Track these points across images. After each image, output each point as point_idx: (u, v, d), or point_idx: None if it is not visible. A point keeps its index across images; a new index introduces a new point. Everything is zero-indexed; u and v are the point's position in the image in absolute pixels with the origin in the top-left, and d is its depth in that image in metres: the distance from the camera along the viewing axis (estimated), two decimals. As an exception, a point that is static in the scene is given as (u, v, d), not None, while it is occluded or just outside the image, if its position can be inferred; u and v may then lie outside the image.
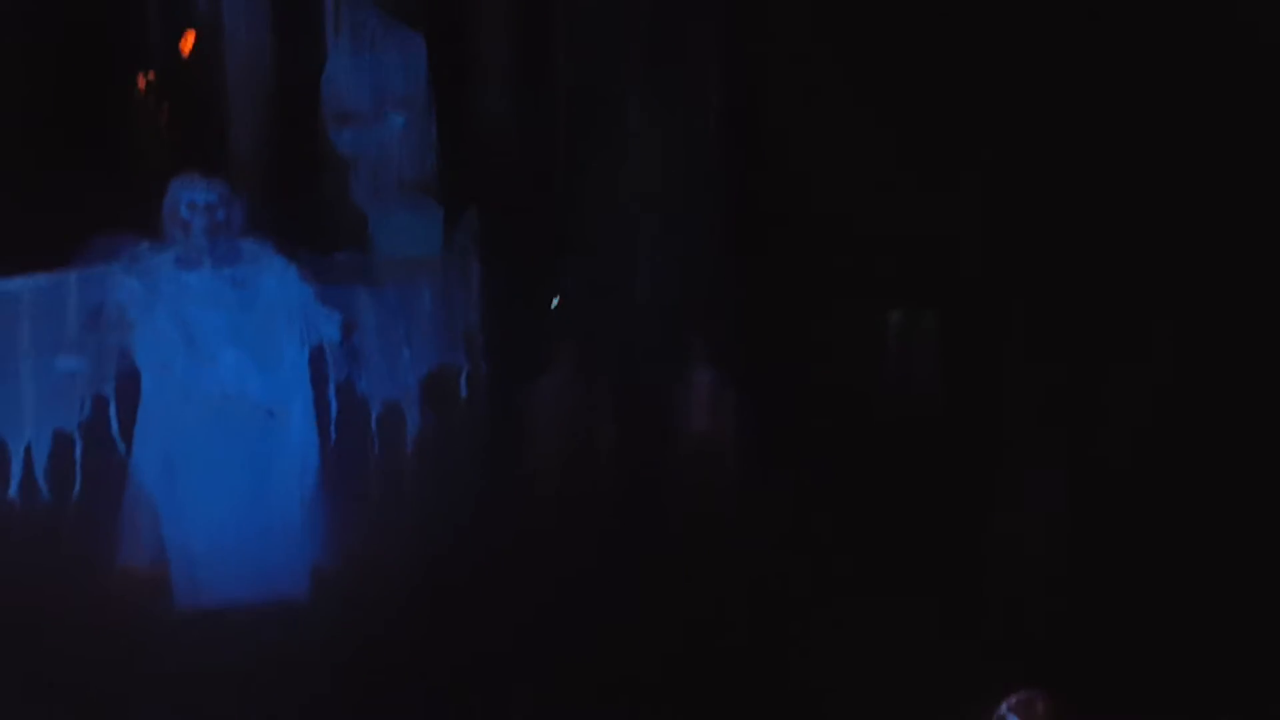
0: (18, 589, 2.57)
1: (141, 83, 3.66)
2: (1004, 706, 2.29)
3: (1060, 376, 3.02)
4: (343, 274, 2.82)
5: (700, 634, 2.55)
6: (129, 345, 2.67)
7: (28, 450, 2.65)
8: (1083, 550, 2.63)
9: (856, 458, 2.92)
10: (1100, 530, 2.66)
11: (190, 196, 2.68)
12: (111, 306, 2.64)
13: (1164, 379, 2.90)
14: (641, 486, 2.95)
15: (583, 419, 3.11)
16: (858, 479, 2.87)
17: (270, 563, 2.75)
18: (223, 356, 2.69)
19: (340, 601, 2.73)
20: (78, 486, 2.67)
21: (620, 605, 2.61)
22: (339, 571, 2.80)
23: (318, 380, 2.78)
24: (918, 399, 3.19)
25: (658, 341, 3.20)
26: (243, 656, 2.57)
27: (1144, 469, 2.79)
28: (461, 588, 2.71)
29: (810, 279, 3.31)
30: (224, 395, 2.71)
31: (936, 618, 2.48)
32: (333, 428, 2.83)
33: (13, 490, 2.63)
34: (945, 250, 3.22)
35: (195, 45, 3.55)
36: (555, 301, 3.31)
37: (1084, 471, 2.83)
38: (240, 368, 2.70)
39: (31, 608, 2.56)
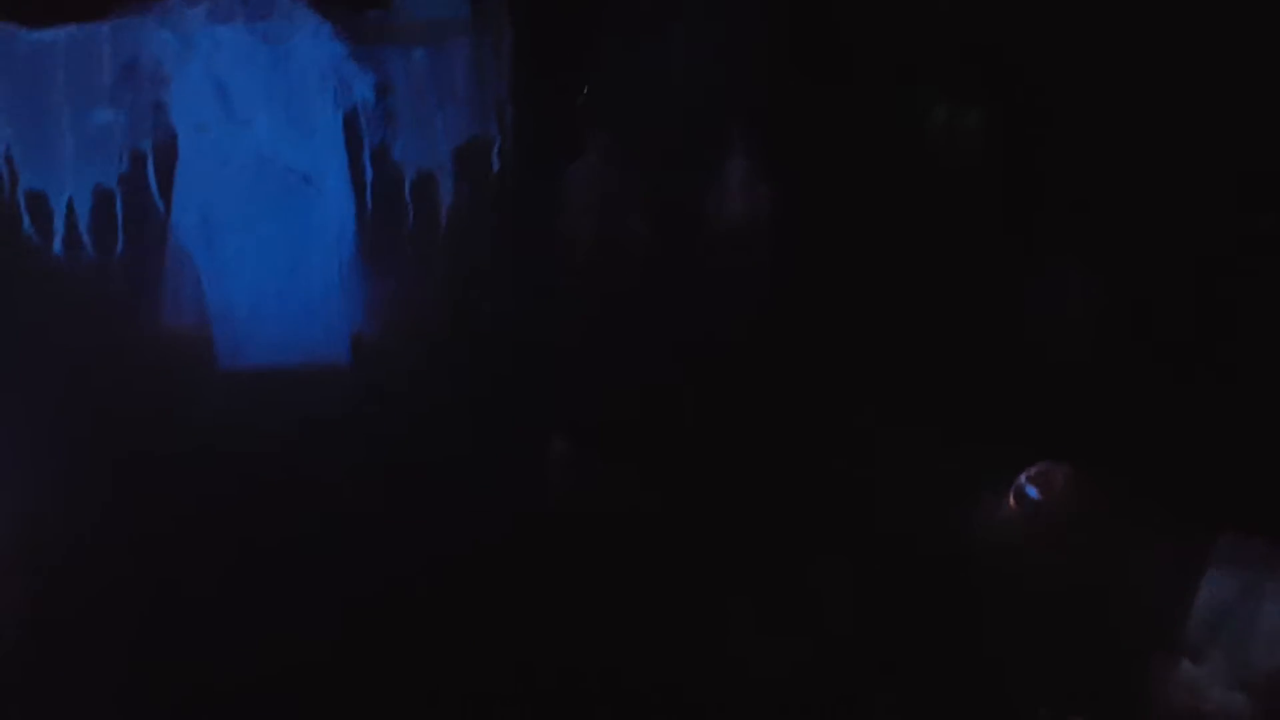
0: (65, 345, 2.62)
1: None
2: (1022, 478, 2.39)
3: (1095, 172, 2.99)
4: (375, 33, 2.75)
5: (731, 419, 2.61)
6: (164, 101, 2.63)
7: (69, 205, 2.65)
8: (1111, 336, 2.67)
9: (891, 249, 2.93)
10: (1132, 320, 2.69)
11: None
12: (146, 60, 2.59)
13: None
14: (672, 275, 2.96)
15: (614, 205, 3.11)
16: (891, 269, 2.88)
17: (310, 327, 2.80)
18: (258, 119, 2.66)
19: (379, 367, 2.79)
20: (120, 243, 2.68)
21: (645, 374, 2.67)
22: (378, 338, 2.85)
23: (353, 146, 2.76)
24: (957, 193, 3.18)
25: (692, 130, 3.16)
26: (284, 418, 2.65)
27: (1165, 255, 2.78)
28: (492, 358, 2.77)
29: (850, 69, 3.26)
30: (260, 159, 2.70)
31: (963, 395, 2.54)
32: (369, 195, 2.83)
33: (57, 245, 2.64)
34: (993, 47, 3.15)
35: None
36: (584, 92, 3.23)
37: (1110, 258, 2.84)
38: (276, 131, 2.68)
39: (78, 365, 2.62)
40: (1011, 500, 2.39)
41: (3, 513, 2.33)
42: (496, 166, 2.98)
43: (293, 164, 2.72)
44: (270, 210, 2.74)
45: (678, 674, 2.09)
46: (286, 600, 2.26)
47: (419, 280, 2.88)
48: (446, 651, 2.16)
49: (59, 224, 2.63)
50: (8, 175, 2.62)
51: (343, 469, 2.50)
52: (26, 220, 2.61)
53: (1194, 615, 2.02)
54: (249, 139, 2.67)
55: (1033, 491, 2.37)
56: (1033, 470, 2.41)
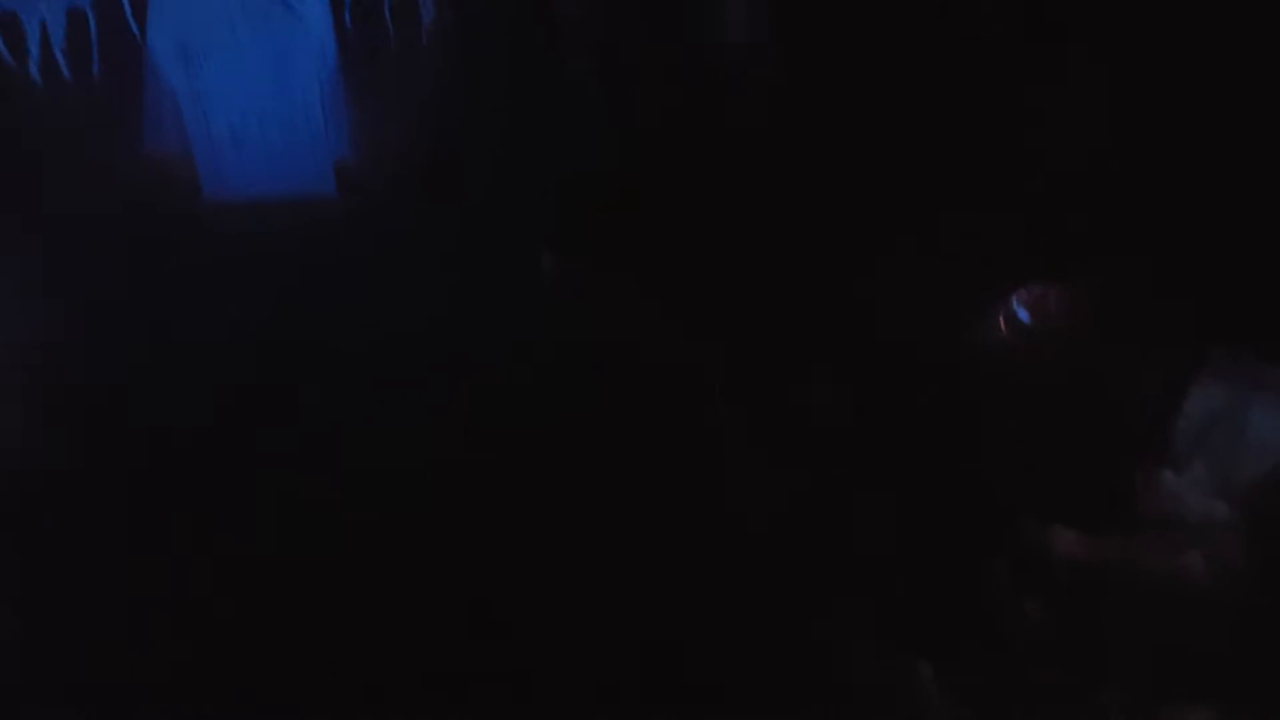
0: (45, 173, 2.58)
1: None
2: (1014, 301, 2.40)
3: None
4: None
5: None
6: (135, -82, 2.54)
7: (42, 27, 2.57)
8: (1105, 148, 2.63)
9: (889, 59, 2.86)
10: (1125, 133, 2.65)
11: None
12: (114, -126, 2.48)
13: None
14: (669, 90, 2.90)
15: (608, 20, 3.02)
16: (886, 78, 2.82)
17: (293, 155, 2.76)
18: (232, -63, 2.56)
19: (365, 198, 2.76)
20: (96, 67, 2.61)
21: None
22: (363, 168, 2.81)
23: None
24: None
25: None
26: (272, 250, 2.63)
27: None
28: (480, 186, 2.74)
29: None
30: (236, -20, 2.61)
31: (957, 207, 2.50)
32: (348, 16, 2.75)
33: (32, 68, 2.57)
34: None
35: None
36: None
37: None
38: (252, -51, 2.58)
39: (60, 193, 2.58)
40: (1002, 323, 2.39)
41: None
42: (480, -17, 2.89)
43: (270, -14, 2.64)
44: (248, 34, 2.67)
45: (672, 493, 2.13)
46: (275, 434, 2.29)
47: (404, 105, 2.82)
48: (443, 476, 2.20)
49: (33, 46, 2.56)
50: (-24, -4, 2.54)
51: (332, 302, 2.50)
52: (0, 42, 2.54)
53: (1180, 428, 2.06)
54: (224, -42, 2.58)
55: (1024, 315, 2.37)
56: (1024, 293, 2.40)
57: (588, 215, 2.55)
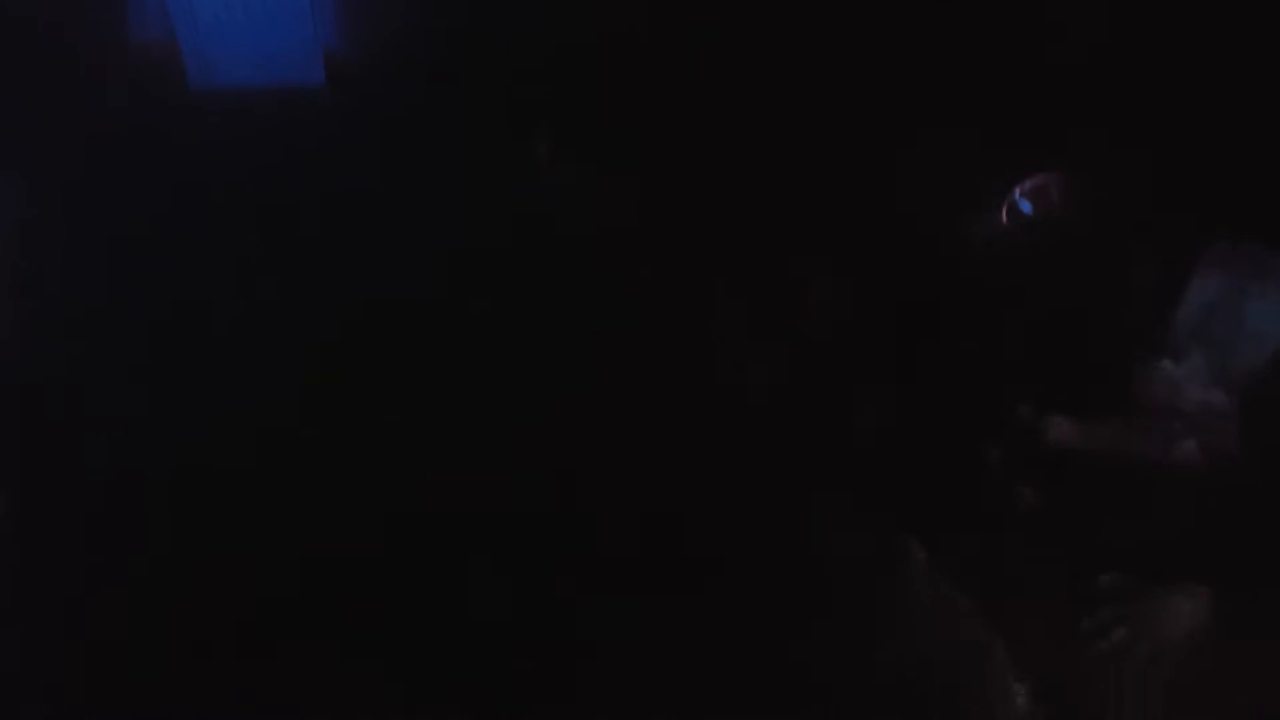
0: (27, 62, 2.52)
1: None
2: (1016, 193, 2.37)
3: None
4: None
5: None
6: None
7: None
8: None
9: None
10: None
11: None
12: None
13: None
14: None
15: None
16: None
17: (282, 44, 2.70)
18: None
19: (355, 89, 2.71)
20: (77, -50, 2.54)
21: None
22: (352, 57, 2.75)
23: None
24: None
25: None
26: (259, 141, 2.59)
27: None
28: (473, 76, 2.68)
29: None
30: None
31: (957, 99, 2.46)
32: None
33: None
34: None
35: None
36: None
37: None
38: None
39: (42, 83, 2.52)
40: (1005, 215, 2.36)
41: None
42: None
43: None
44: (233, -83, 2.60)
45: (659, 379, 2.12)
46: (270, 320, 2.27)
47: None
48: (437, 363, 2.18)
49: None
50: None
51: (320, 195, 2.47)
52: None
53: (1180, 318, 2.05)
54: None
55: (1026, 206, 2.34)
56: (1027, 184, 2.37)
57: (585, 105, 2.51)
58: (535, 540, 1.98)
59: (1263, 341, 1.98)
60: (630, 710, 1.82)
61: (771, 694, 1.81)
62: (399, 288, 2.31)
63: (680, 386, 2.12)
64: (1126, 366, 2.07)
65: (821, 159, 2.40)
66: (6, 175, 2.44)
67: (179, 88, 2.62)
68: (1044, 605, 1.89)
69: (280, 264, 2.37)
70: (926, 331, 2.18)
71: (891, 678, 1.81)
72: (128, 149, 2.51)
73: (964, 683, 1.83)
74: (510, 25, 2.68)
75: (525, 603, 1.94)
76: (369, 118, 2.61)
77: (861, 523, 2.00)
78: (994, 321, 2.17)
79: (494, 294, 2.27)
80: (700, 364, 2.14)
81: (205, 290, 2.35)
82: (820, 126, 2.45)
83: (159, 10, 2.63)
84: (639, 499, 1.98)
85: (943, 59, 2.57)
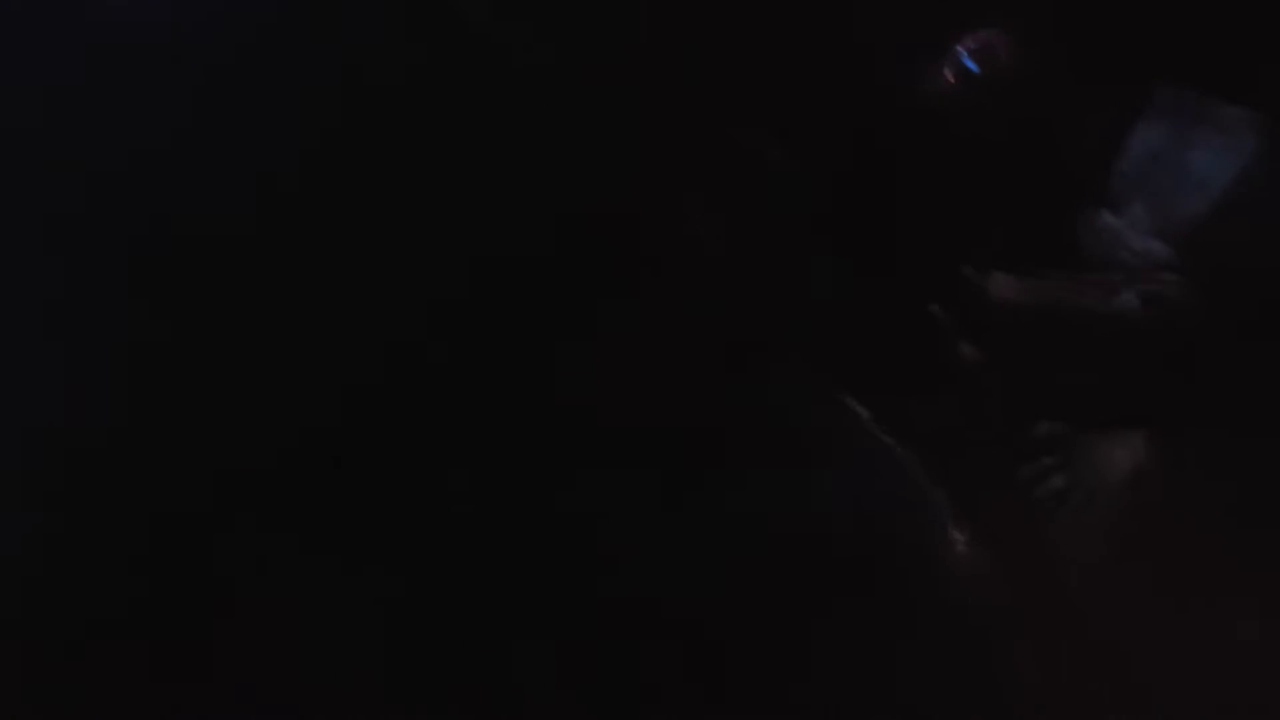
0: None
1: None
2: (960, 50, 2.33)
3: None
4: None
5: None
6: None
7: None
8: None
9: None
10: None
11: None
12: None
13: None
14: None
15: None
16: None
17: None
18: None
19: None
20: None
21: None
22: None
23: None
24: None
25: None
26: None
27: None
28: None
29: None
30: None
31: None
32: None
33: None
34: None
35: None
36: None
37: None
38: None
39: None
40: (949, 74, 2.33)
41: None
42: None
43: None
44: None
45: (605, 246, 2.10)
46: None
47: None
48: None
49: None
50: None
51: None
52: None
53: (1120, 169, 2.04)
54: None
55: (971, 64, 2.31)
56: (971, 42, 2.34)
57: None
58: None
59: (1204, 190, 1.98)
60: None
61: (713, 548, 1.84)
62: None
63: (625, 254, 2.11)
64: (1069, 219, 2.07)
65: (764, 20, 2.36)
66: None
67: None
68: (984, 456, 1.92)
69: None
70: (872, 193, 2.17)
71: (833, 532, 1.85)
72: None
73: (904, 534, 1.87)
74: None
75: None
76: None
77: (808, 387, 2.02)
78: (939, 181, 2.17)
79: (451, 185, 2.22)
80: (647, 230, 2.13)
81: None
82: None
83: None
84: (584, 370, 1.98)
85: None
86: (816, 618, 1.79)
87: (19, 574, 1.81)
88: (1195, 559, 1.78)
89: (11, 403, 2.01)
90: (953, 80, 2.28)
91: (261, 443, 1.96)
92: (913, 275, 2.08)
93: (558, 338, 2.04)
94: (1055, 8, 2.22)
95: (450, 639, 1.81)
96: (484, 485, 1.92)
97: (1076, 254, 2.05)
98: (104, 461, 1.91)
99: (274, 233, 2.11)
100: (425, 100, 2.20)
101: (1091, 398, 1.91)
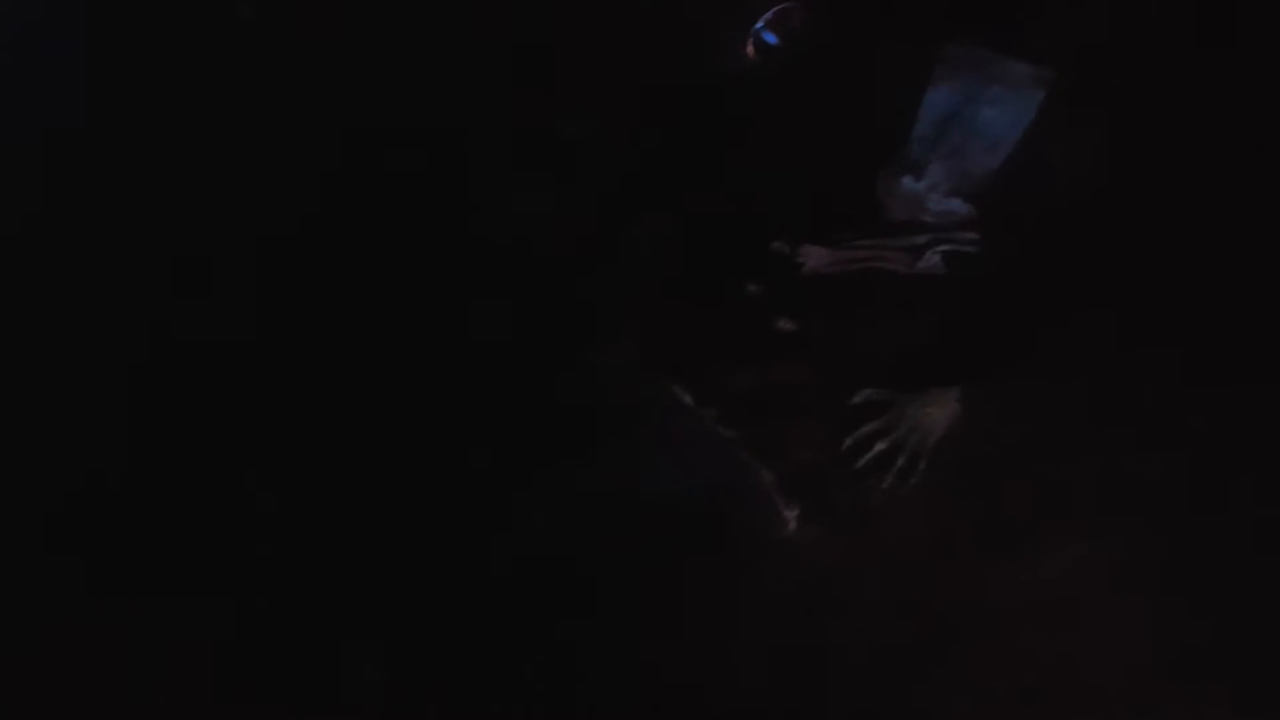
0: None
1: None
2: (759, 24, 2.33)
3: None
4: None
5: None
6: None
7: None
8: None
9: None
10: None
11: None
12: None
13: None
14: None
15: None
16: None
17: None
18: None
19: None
20: None
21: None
22: None
23: None
24: None
25: None
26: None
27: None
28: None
29: None
30: None
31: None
32: None
33: None
34: None
35: None
36: None
37: None
38: None
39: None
40: (750, 48, 2.33)
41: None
42: None
43: None
44: None
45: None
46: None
47: None
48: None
49: None
50: None
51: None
52: None
53: (916, 131, 2.07)
54: None
55: (770, 36, 2.31)
56: (768, 14, 2.34)
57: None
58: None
59: (997, 147, 2.02)
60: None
61: (544, 529, 1.82)
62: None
63: (444, 230, 2.06)
64: (871, 184, 2.09)
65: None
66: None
67: None
68: (807, 427, 1.93)
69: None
70: (682, 167, 2.16)
71: (663, 511, 1.83)
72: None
73: (733, 513, 1.86)
74: None
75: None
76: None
77: (632, 371, 1.99)
78: (747, 155, 2.16)
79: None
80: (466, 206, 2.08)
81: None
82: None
83: None
84: (411, 344, 1.93)
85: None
86: (650, 598, 1.78)
87: None
88: (1007, 508, 1.82)
89: None
90: (753, 54, 2.29)
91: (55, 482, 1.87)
92: (729, 250, 2.08)
93: (390, 330, 2.00)
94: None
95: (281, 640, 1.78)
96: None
97: (881, 218, 2.07)
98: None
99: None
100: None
101: (905, 359, 1.94)
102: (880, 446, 1.88)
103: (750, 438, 1.92)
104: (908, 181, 2.05)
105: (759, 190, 2.13)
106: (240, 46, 2.26)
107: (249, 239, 2.10)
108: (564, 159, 2.19)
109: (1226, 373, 1.85)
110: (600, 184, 2.15)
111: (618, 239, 2.10)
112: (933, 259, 2.02)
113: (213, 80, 2.23)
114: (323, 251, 2.08)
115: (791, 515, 1.87)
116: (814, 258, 2.06)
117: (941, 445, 1.87)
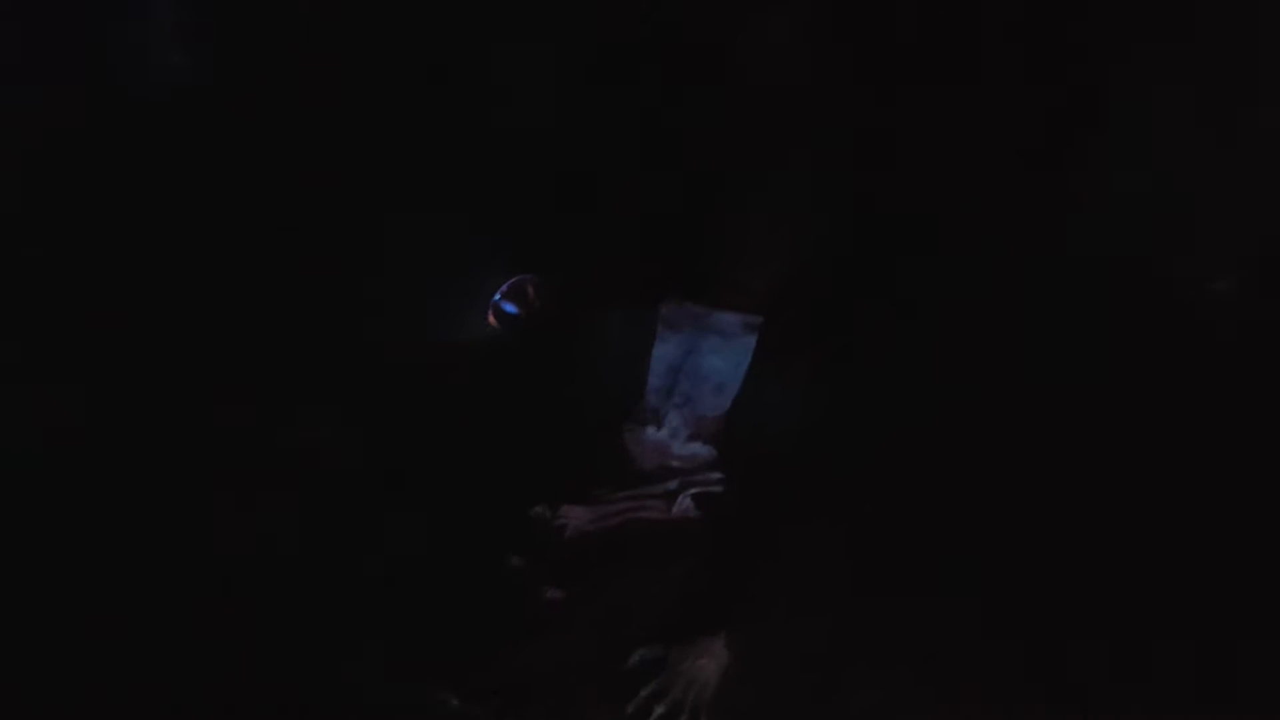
0: None
1: None
2: (497, 296, 2.44)
3: None
4: None
5: None
6: None
7: None
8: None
9: None
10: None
11: None
12: None
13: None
14: None
15: None
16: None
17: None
18: None
19: None
20: None
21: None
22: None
23: None
24: None
25: None
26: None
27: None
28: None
29: None
30: None
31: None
32: None
33: None
34: None
35: None
36: None
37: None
38: None
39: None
40: (492, 319, 2.43)
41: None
42: None
43: None
44: None
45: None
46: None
47: None
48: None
49: None
50: None
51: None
52: None
53: (650, 384, 2.17)
54: None
55: (510, 307, 2.42)
56: (504, 287, 2.45)
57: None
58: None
59: (723, 389, 2.14)
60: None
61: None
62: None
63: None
64: (619, 442, 2.17)
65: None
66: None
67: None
68: (590, 698, 1.94)
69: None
70: (433, 444, 2.21)
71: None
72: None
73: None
74: None
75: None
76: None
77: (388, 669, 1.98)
78: (494, 424, 2.23)
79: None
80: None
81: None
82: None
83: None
84: None
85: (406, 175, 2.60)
86: None
87: None
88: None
89: None
90: (495, 323, 2.39)
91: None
92: (489, 528, 2.11)
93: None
94: (572, 252, 2.37)
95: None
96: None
97: (633, 470, 2.15)
98: None
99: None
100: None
101: (668, 612, 1.99)
102: (660, 711, 1.90)
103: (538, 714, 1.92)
104: (650, 431, 2.15)
105: (514, 456, 2.19)
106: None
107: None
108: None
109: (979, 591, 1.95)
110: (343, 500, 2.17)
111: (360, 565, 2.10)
112: (685, 502, 2.10)
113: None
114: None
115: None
116: (575, 517, 2.12)
117: (719, 697, 1.91)
